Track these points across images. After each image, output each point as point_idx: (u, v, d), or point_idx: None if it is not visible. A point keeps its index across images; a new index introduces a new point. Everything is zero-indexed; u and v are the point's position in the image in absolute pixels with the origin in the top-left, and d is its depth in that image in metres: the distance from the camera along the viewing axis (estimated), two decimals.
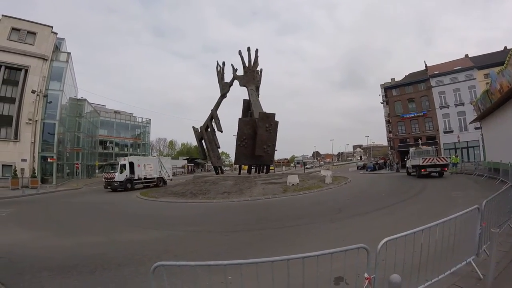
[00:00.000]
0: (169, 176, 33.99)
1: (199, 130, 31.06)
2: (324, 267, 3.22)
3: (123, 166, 28.43)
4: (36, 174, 32.49)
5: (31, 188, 28.94)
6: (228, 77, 31.29)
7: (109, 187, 28.02)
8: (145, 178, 30.29)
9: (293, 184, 22.06)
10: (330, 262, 3.18)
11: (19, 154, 32.99)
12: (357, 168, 56.90)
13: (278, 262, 3.04)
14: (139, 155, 73.45)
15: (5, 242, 8.83)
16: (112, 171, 28.59)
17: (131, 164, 29.18)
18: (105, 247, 8.26)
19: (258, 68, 29.25)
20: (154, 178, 31.22)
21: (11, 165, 31.88)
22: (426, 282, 4.09)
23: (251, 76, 28.21)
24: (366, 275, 3.18)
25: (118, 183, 27.50)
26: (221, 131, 30.20)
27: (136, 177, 29.26)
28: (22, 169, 32.12)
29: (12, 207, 17.45)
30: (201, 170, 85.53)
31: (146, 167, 30.63)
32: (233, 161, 40.01)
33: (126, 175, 28.30)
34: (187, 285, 3.74)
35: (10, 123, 33.85)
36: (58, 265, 6.53)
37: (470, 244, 5.04)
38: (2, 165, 30.78)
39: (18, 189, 28.15)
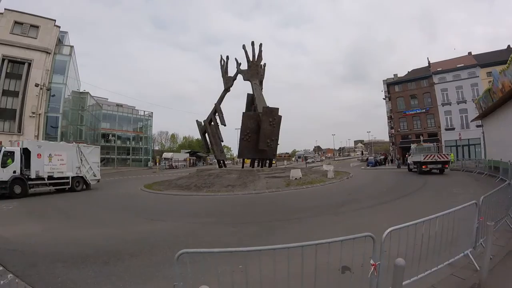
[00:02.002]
0: (95, 176, 23.60)
1: (203, 124, 31.09)
2: (333, 255, 3.40)
3: (9, 155, 17.72)
4: None
5: None
6: (232, 71, 31.43)
7: None
8: (51, 178, 19.87)
9: (296, 178, 22.33)
10: (337, 250, 3.42)
11: None
12: (367, 160, 55.13)
13: (292, 249, 3.27)
14: (142, 148, 74.16)
15: (17, 234, 8.80)
16: None
17: (26, 153, 18.65)
18: (116, 238, 8.36)
19: (262, 63, 29.37)
20: (67, 177, 20.97)
21: None
22: (426, 271, 4.33)
23: (255, 71, 28.32)
24: (372, 261, 3.41)
25: None
26: (225, 125, 30.31)
27: (33, 175, 18.70)
28: None
29: (18, 199, 17.11)
30: (203, 163, 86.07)
31: (54, 160, 20.07)
32: (236, 155, 39.94)
33: (14, 172, 17.74)
34: (203, 273, 3.98)
35: (13, 117, 34.30)
36: (71, 256, 6.53)
37: (468, 237, 5.29)
38: None
39: None
